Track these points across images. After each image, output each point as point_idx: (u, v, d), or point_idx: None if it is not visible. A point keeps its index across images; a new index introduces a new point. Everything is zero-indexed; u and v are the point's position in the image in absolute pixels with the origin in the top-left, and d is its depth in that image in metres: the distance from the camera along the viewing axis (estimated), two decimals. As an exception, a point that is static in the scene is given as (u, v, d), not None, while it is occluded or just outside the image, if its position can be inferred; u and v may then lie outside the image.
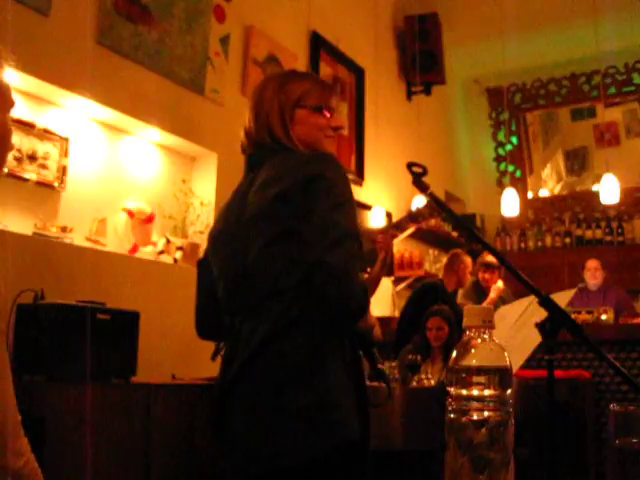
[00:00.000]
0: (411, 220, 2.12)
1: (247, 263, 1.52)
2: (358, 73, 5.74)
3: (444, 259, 5.33)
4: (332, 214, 1.44)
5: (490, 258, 4.95)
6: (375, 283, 1.86)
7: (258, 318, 1.47)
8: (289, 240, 1.46)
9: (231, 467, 1.52)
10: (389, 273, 5.59)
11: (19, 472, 1.17)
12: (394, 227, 2.04)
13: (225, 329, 1.59)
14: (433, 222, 6.19)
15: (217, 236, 1.68)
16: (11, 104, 1.15)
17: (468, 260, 4.90)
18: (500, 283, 4.91)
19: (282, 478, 1.44)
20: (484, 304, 4.68)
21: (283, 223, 1.47)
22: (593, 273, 5.56)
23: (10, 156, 3.04)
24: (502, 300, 4.90)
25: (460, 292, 4.92)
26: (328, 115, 1.67)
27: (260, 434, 1.43)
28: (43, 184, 3.19)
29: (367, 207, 5.59)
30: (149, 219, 3.67)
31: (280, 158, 1.57)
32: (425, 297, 4.38)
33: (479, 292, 5.02)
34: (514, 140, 7.96)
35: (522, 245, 7.52)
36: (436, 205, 1.52)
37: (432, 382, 3.13)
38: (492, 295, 4.83)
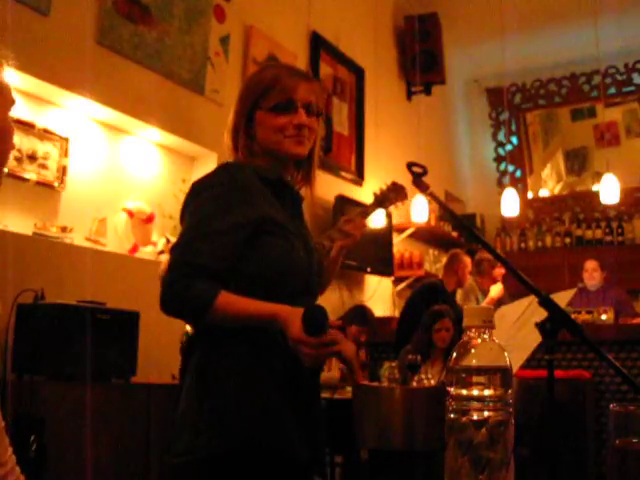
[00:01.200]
0: (379, 205, 2.10)
1: None
2: (358, 73, 5.74)
3: (444, 259, 5.33)
4: (182, 224, 1.50)
5: (486, 255, 4.97)
6: (332, 269, 1.82)
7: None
8: None
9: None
10: (389, 272, 5.59)
11: None
12: (361, 214, 2.02)
13: None
14: (433, 219, 6.20)
15: None
16: (12, 102, 1.14)
17: (468, 260, 4.91)
18: (499, 285, 4.93)
19: (181, 473, 1.48)
20: (483, 304, 4.69)
21: None
22: (591, 274, 5.57)
23: (10, 156, 3.04)
24: (498, 301, 4.92)
25: (458, 293, 4.92)
26: (296, 112, 1.54)
27: (176, 429, 1.48)
28: (43, 184, 3.19)
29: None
30: (149, 219, 3.67)
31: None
32: (425, 297, 4.38)
33: (476, 292, 5.04)
34: (514, 140, 7.96)
35: (522, 245, 7.52)
36: (437, 204, 1.52)
37: (432, 382, 3.13)
38: (492, 295, 4.86)
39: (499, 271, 4.98)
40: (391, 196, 2.07)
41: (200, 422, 1.42)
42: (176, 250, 1.44)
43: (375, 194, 2.07)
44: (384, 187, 2.07)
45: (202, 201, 1.47)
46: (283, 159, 1.58)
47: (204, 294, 1.39)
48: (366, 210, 2.00)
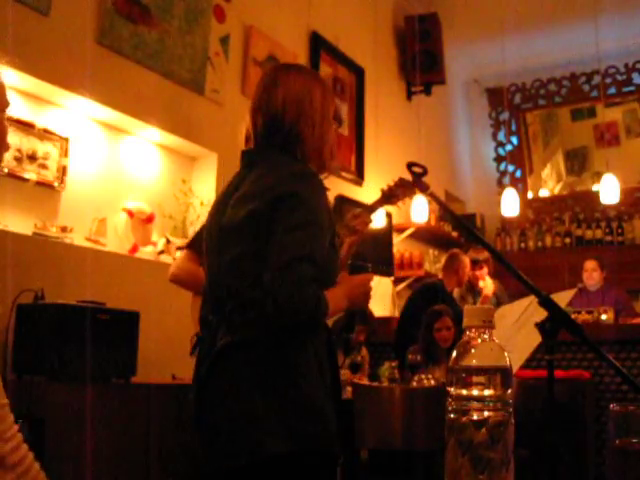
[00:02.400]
0: (386, 201, 2.12)
1: (216, 274, 1.57)
2: (358, 73, 5.74)
3: (444, 259, 5.33)
4: (289, 235, 1.44)
5: (474, 254, 4.99)
6: (342, 265, 1.88)
7: (225, 329, 1.52)
8: (252, 259, 1.48)
9: (209, 464, 1.56)
10: (389, 272, 5.59)
11: (3, 458, 1.08)
12: (368, 210, 2.05)
13: (207, 325, 1.62)
14: (433, 219, 6.20)
15: (205, 233, 1.69)
16: (6, 104, 1.15)
17: (467, 260, 4.92)
18: (489, 280, 4.97)
19: (242, 476, 1.47)
20: (479, 303, 4.71)
21: (249, 242, 1.48)
22: (590, 274, 5.56)
23: (10, 156, 3.04)
24: (496, 297, 4.93)
25: (455, 293, 4.93)
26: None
27: (223, 433, 1.47)
28: (43, 184, 3.19)
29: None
30: (149, 219, 3.67)
31: (268, 168, 1.56)
32: (425, 297, 4.38)
33: (473, 291, 5.05)
34: (514, 140, 7.96)
35: (522, 245, 7.52)
36: (437, 204, 1.52)
37: (432, 382, 3.13)
38: (486, 292, 4.90)
39: (480, 273, 5.01)
40: (398, 192, 2.09)
41: (263, 423, 1.43)
42: (302, 265, 1.42)
43: (382, 190, 2.09)
44: (391, 183, 2.09)
45: (306, 213, 1.47)
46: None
47: (325, 306, 1.45)
48: (373, 206, 2.03)
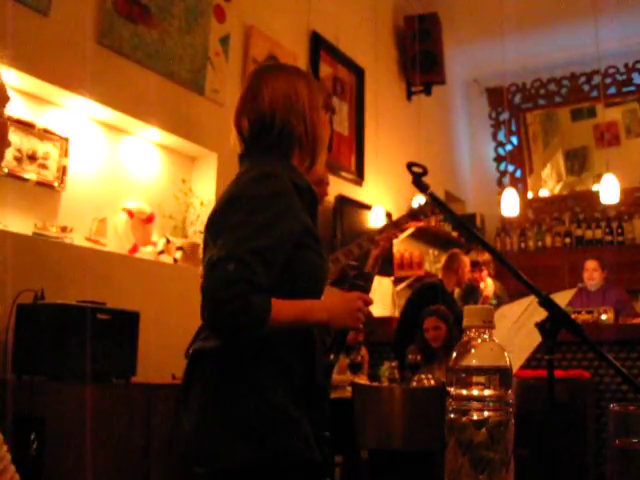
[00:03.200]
0: (411, 218, 2.14)
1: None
2: (358, 73, 5.75)
3: (444, 259, 5.34)
4: (223, 236, 1.41)
5: (475, 256, 5.01)
6: (372, 277, 1.88)
7: (201, 334, 1.53)
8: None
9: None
10: (389, 272, 5.59)
11: None
12: (393, 225, 2.07)
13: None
14: (433, 221, 6.21)
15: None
16: (7, 99, 1.14)
17: (467, 260, 4.92)
18: (489, 281, 4.97)
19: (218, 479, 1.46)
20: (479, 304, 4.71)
21: (211, 247, 1.46)
22: (591, 274, 5.56)
23: (10, 156, 3.04)
24: (496, 297, 4.94)
25: (456, 294, 4.93)
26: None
27: (200, 436, 1.45)
28: (43, 184, 3.19)
29: (367, 207, 5.60)
30: (149, 219, 3.67)
31: (242, 173, 1.55)
32: (425, 297, 4.38)
33: (473, 293, 5.05)
34: (514, 140, 7.96)
35: (522, 245, 7.52)
36: (436, 205, 1.53)
37: (432, 382, 3.13)
38: (487, 292, 4.90)
39: (480, 275, 5.01)
40: (426, 209, 2.11)
41: (225, 431, 1.41)
42: (227, 265, 1.34)
43: (411, 208, 2.12)
44: (422, 204, 2.13)
45: (246, 214, 1.42)
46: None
47: (260, 311, 1.35)
48: (398, 221, 2.04)
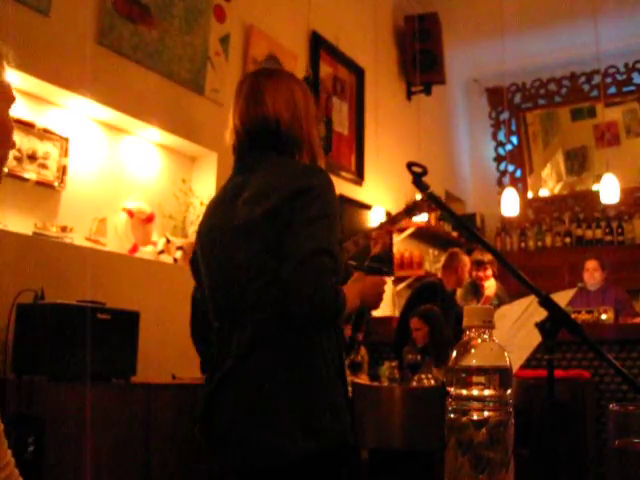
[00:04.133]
0: (408, 214, 2.15)
1: (231, 273, 1.54)
2: (358, 73, 5.75)
3: (444, 258, 5.34)
4: (308, 228, 1.45)
5: (479, 256, 4.99)
6: None
7: (243, 328, 1.50)
8: (271, 255, 1.47)
9: (220, 464, 1.55)
10: (389, 273, 5.59)
11: None
12: (390, 222, 2.07)
13: (214, 332, 1.59)
14: (433, 221, 6.21)
15: (204, 237, 1.66)
16: (12, 99, 1.14)
17: (466, 259, 4.92)
18: (492, 281, 4.96)
19: (267, 476, 1.47)
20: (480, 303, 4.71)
21: (268, 239, 1.47)
22: (591, 274, 5.56)
23: (10, 156, 3.04)
24: (497, 297, 4.94)
25: (458, 292, 4.93)
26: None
27: (248, 433, 1.46)
28: (43, 184, 3.19)
29: (367, 207, 5.60)
30: (149, 219, 3.67)
31: (274, 168, 1.56)
32: (424, 296, 4.38)
33: (476, 291, 5.05)
34: (514, 140, 7.97)
35: (522, 245, 7.52)
36: (436, 205, 1.52)
37: (432, 382, 3.13)
38: (488, 293, 4.90)
39: (484, 274, 5.01)
40: (422, 205, 2.11)
41: (288, 423, 1.43)
42: (322, 257, 1.42)
43: (407, 204, 2.11)
44: (418, 199, 2.12)
45: (323, 204, 1.49)
46: None
47: (345, 300, 1.46)
48: (395, 217, 2.04)
